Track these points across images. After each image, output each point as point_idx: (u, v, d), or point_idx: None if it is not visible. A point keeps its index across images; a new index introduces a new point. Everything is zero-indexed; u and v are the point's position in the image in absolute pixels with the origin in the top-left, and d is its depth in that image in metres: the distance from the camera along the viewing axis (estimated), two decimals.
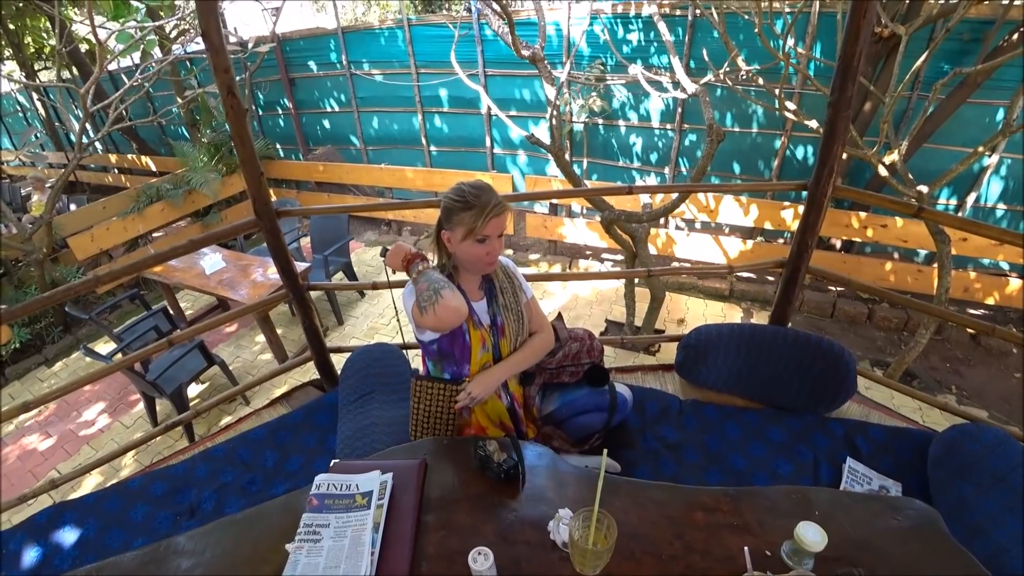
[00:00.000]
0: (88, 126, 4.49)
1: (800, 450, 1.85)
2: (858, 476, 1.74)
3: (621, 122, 5.47)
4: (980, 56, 3.85)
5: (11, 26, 7.09)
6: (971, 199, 4.41)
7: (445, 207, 1.37)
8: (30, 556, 1.71)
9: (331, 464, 1.33)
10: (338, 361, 2.32)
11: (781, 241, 5.11)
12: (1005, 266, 4.50)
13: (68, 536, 1.78)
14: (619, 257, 5.37)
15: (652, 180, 5.62)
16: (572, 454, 1.74)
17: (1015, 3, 3.67)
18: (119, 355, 3.56)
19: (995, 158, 4.19)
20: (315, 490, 1.23)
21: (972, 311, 4.43)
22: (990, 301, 4.29)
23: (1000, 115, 4.09)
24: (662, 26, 3.46)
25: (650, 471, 1.78)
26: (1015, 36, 3.62)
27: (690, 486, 1.25)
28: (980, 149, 2.73)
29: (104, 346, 4.81)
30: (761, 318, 4.51)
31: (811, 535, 0.99)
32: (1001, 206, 4.41)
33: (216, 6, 1.57)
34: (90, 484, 3.31)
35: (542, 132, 5.66)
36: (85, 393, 4.24)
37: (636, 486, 1.26)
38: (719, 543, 1.11)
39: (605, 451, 1.10)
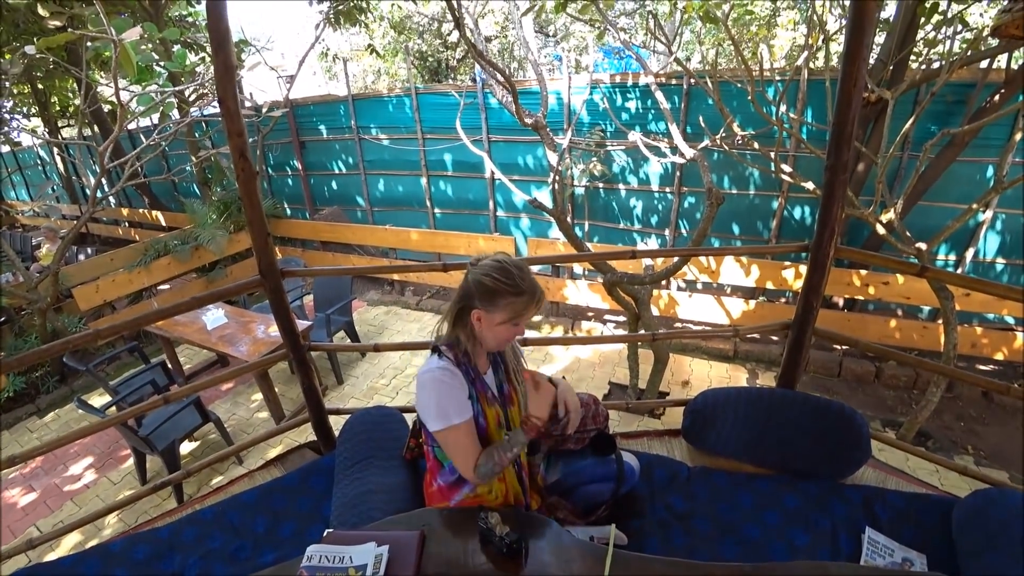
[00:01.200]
0: (104, 181, 4.62)
1: (816, 519, 1.76)
2: (879, 548, 1.65)
3: (621, 186, 5.60)
4: (965, 117, 3.99)
5: (40, 86, 7.45)
6: (970, 254, 4.44)
7: (488, 288, 1.32)
8: None
9: (324, 534, 1.27)
10: (336, 423, 2.27)
11: (783, 300, 5.11)
12: (1011, 320, 4.47)
13: None
14: (622, 319, 5.36)
15: (653, 242, 5.70)
16: (578, 525, 1.66)
17: (993, 67, 3.85)
18: (113, 409, 3.49)
19: (989, 213, 4.26)
20: (306, 562, 1.17)
21: (981, 367, 4.37)
22: (999, 356, 4.23)
23: (991, 171, 4.19)
24: (659, 95, 3.61)
25: (659, 542, 1.69)
26: (997, 97, 3.76)
27: (703, 562, 1.18)
28: (974, 206, 2.77)
29: (99, 398, 4.73)
30: (767, 379, 4.44)
31: None
32: (1000, 260, 4.44)
33: (233, 76, 1.64)
34: (69, 544, 3.17)
35: (544, 196, 5.79)
36: (74, 446, 4.13)
37: (646, 562, 1.19)
38: None
39: (613, 526, 1.05)
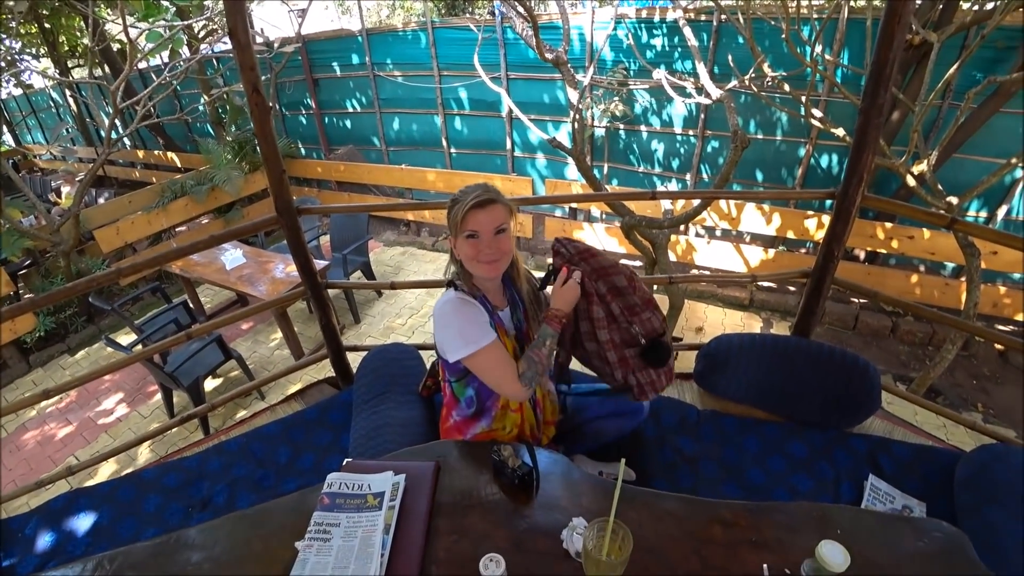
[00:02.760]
0: (117, 122, 4.59)
1: (821, 466, 1.80)
2: (880, 494, 1.69)
3: (643, 127, 5.43)
4: (1015, 65, 3.74)
5: (47, 25, 7.30)
6: (1002, 212, 4.28)
7: (446, 213, 1.34)
8: (44, 541, 1.73)
9: (343, 463, 1.32)
10: (354, 360, 2.33)
11: (804, 251, 5.02)
12: None
13: (82, 523, 1.80)
14: (638, 263, 5.32)
15: (673, 186, 5.57)
16: (586, 461, 1.71)
17: None
18: (139, 346, 3.62)
19: None
20: (327, 488, 1.22)
21: (1001, 327, 4.30)
22: (1020, 317, 4.15)
23: None
24: (687, 31, 3.42)
25: (666, 483, 1.74)
26: None
27: (708, 499, 1.22)
28: (1014, 161, 2.65)
29: (125, 337, 4.90)
30: (781, 328, 4.43)
31: (834, 555, 0.96)
32: None
33: (244, 6, 1.58)
34: (106, 472, 3.37)
35: (563, 136, 5.64)
36: (105, 382, 4.32)
37: (653, 497, 1.23)
38: (737, 560, 1.08)
39: (623, 460, 1.07)
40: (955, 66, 2.69)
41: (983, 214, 4.42)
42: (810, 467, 1.80)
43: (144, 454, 3.52)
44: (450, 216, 1.31)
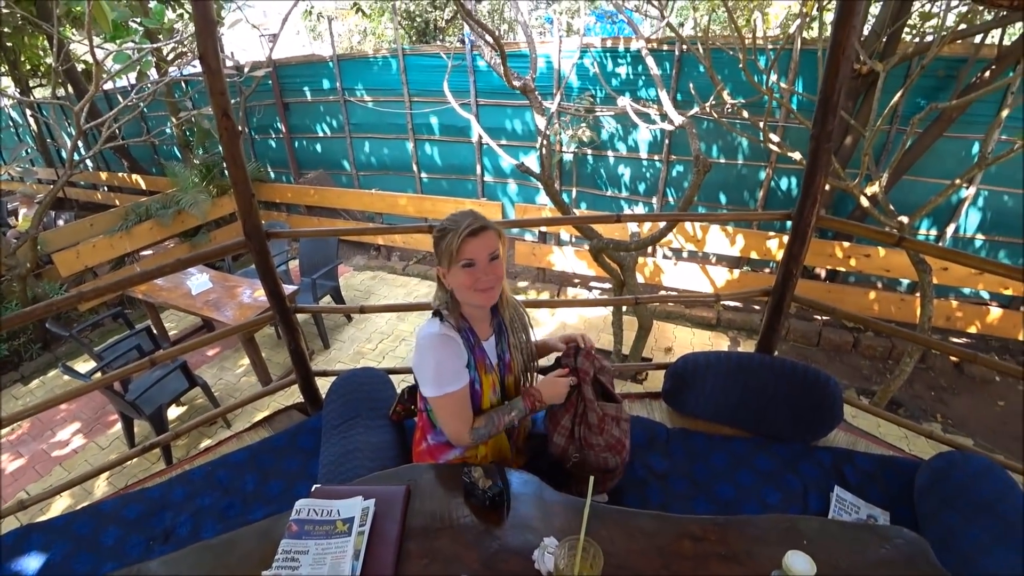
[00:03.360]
0: (80, 144, 4.49)
1: (788, 479, 1.84)
2: (846, 505, 1.73)
3: (610, 153, 5.57)
4: (954, 92, 4.00)
5: (8, 43, 7.14)
6: (950, 230, 4.52)
7: (435, 243, 1.33)
8: None
9: (312, 489, 1.30)
10: (323, 385, 2.29)
11: (767, 271, 5.18)
12: (985, 295, 4.59)
13: (33, 561, 1.70)
14: (607, 285, 5.40)
15: (640, 209, 5.70)
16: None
17: (986, 42, 3.84)
18: (98, 374, 3.48)
19: (972, 190, 4.32)
20: (295, 515, 1.20)
21: (955, 339, 4.49)
22: (972, 330, 4.35)
23: (975, 148, 4.24)
24: (650, 60, 3.56)
25: (637, 500, 1.76)
26: (987, 73, 3.77)
27: (678, 515, 1.24)
28: (957, 181, 2.81)
29: (84, 364, 4.70)
30: (748, 347, 4.52)
31: (800, 565, 0.98)
32: (980, 236, 4.53)
33: (215, 30, 1.59)
34: (60, 507, 3.20)
35: (532, 161, 5.74)
36: (61, 412, 4.13)
37: (623, 514, 1.24)
38: (707, 574, 1.09)
39: (592, 477, 1.09)
40: (900, 93, 2.86)
41: (933, 232, 4.65)
42: (778, 480, 1.84)
43: (102, 487, 3.36)
44: (442, 245, 1.29)
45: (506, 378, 1.49)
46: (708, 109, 3.53)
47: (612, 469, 1.50)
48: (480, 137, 5.96)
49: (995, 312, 4.25)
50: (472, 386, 1.39)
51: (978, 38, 3.82)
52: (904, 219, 2.93)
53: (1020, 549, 1.40)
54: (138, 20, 4.79)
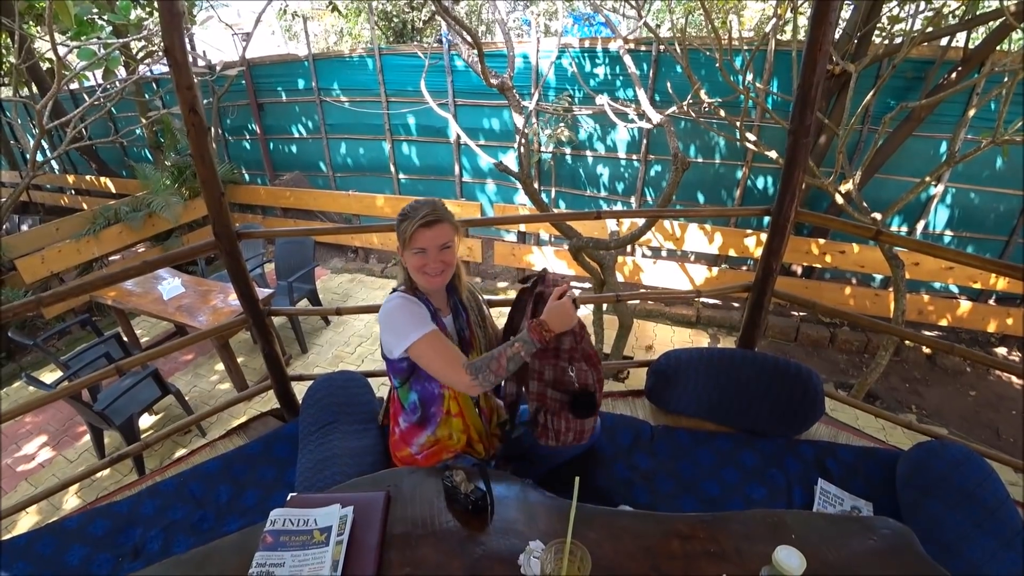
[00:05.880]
0: (45, 144, 4.32)
1: (772, 474, 1.84)
2: (830, 497, 1.74)
3: (588, 152, 5.58)
4: (923, 92, 4.10)
5: None
6: (920, 226, 4.63)
7: (396, 224, 1.43)
8: None
9: (288, 498, 1.25)
10: (300, 390, 2.23)
11: (745, 268, 5.24)
12: (955, 289, 4.71)
13: None
14: (587, 285, 5.40)
15: (619, 208, 5.72)
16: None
17: (952, 45, 3.94)
18: (65, 384, 3.35)
19: (941, 188, 4.43)
20: (270, 526, 1.15)
21: (927, 332, 4.60)
22: (943, 323, 4.46)
23: (944, 147, 4.34)
24: (628, 60, 3.57)
25: (623, 500, 1.74)
26: (954, 75, 3.87)
27: (665, 513, 1.22)
28: (927, 179, 2.87)
29: (50, 375, 4.53)
30: (728, 343, 4.57)
31: (791, 560, 0.97)
32: (948, 232, 4.65)
33: (180, 23, 1.53)
34: (26, 524, 3.06)
35: (510, 161, 5.72)
36: (26, 425, 3.97)
37: (610, 515, 1.22)
38: (696, 572, 1.08)
39: (577, 479, 1.06)
40: (871, 93, 2.92)
41: (904, 229, 4.76)
42: (762, 475, 1.84)
43: (71, 502, 3.23)
44: (399, 230, 1.40)
45: (469, 353, 1.52)
46: (685, 108, 3.54)
47: (592, 385, 1.46)
48: (458, 137, 5.92)
49: (965, 305, 4.36)
50: None
51: (944, 41, 3.92)
52: (877, 216, 2.98)
53: (999, 535, 1.42)
54: (104, 16, 4.64)
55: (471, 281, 1.63)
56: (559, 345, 1.43)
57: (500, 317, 1.74)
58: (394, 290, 1.50)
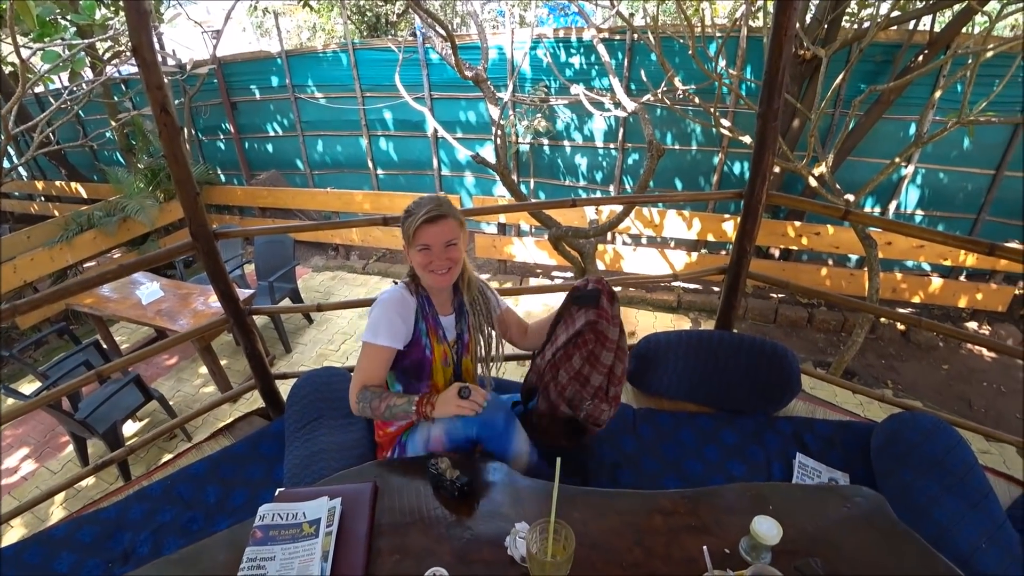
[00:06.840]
0: (11, 151, 4.21)
1: (752, 450, 1.89)
2: (808, 470, 1.79)
3: (566, 142, 5.60)
4: (891, 76, 4.19)
5: None
6: (892, 207, 4.74)
7: (401, 220, 1.43)
8: None
9: (276, 493, 1.25)
10: (285, 388, 2.22)
11: (724, 252, 5.31)
12: (927, 267, 4.84)
13: None
14: (569, 274, 5.44)
15: (597, 196, 5.76)
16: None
17: (919, 29, 4.03)
18: (44, 393, 3.29)
19: (911, 169, 4.54)
20: (259, 521, 1.16)
21: (900, 309, 4.72)
22: (916, 300, 4.59)
23: (913, 129, 4.44)
24: (602, 49, 3.59)
25: (609, 482, 1.77)
26: (920, 58, 3.95)
27: (647, 491, 1.25)
28: (897, 160, 2.94)
29: (29, 386, 4.44)
30: (709, 327, 4.60)
31: (766, 528, 1.01)
32: (919, 212, 4.76)
33: (148, 21, 1.51)
34: (12, 538, 3.01)
35: (488, 153, 5.71)
36: (6, 438, 3.89)
37: (595, 495, 1.25)
38: (679, 546, 1.11)
39: (559, 459, 1.09)
40: (841, 76, 2.98)
41: (877, 209, 4.87)
42: (742, 452, 1.89)
43: (58, 513, 3.18)
44: (403, 227, 1.40)
45: (463, 358, 1.53)
46: (660, 96, 3.58)
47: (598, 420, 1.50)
48: (435, 130, 5.89)
49: (936, 282, 4.49)
50: (423, 352, 1.45)
51: (911, 24, 4.00)
52: (850, 197, 3.05)
53: (967, 497, 1.48)
54: (67, 17, 4.52)
55: (479, 279, 1.63)
56: (589, 377, 1.45)
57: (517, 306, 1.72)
58: (395, 281, 1.52)
